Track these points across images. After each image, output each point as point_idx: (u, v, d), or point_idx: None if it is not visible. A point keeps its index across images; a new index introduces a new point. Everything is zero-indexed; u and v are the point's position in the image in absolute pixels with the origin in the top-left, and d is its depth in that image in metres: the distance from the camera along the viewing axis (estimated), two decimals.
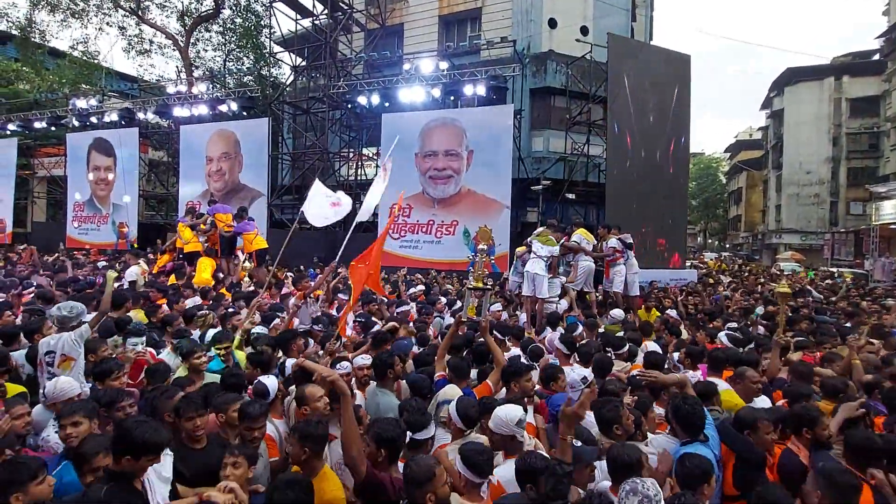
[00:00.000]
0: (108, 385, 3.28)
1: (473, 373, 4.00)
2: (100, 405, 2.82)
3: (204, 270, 9.15)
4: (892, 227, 21.74)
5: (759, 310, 8.63)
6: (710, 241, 51.75)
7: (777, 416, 3.04)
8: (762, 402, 3.64)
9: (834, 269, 20.07)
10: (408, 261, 13.18)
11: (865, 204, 26.22)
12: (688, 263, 16.62)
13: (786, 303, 4.71)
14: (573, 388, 3.58)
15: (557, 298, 7.43)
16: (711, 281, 13.90)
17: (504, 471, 2.54)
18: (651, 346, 5.79)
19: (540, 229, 7.69)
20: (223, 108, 16.41)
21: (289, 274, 10.83)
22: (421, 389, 3.51)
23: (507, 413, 2.72)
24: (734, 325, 7.23)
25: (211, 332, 4.92)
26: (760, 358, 4.70)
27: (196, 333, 5.06)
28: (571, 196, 15.39)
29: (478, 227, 11.65)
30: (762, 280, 15.15)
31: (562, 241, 7.78)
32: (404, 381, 3.81)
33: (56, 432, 2.67)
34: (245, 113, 16.94)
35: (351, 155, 16.80)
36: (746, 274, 17.61)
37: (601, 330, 6.22)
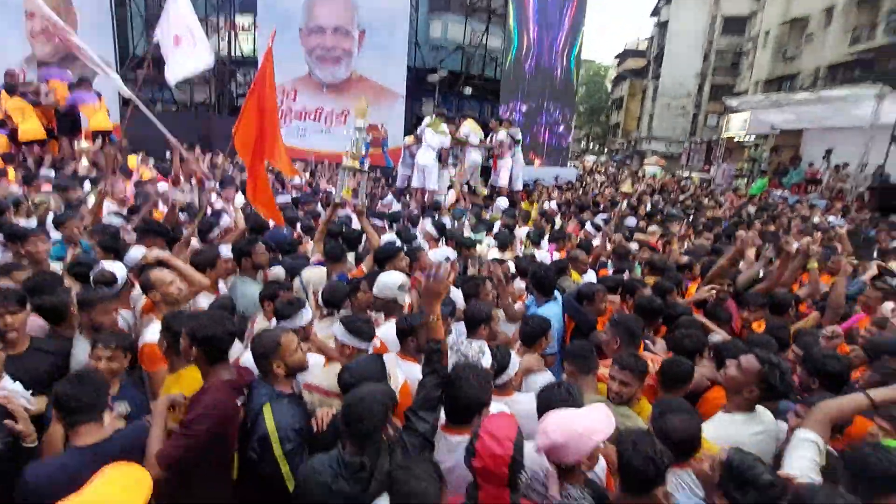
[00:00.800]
0: None
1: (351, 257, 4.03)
2: None
3: (28, 119, 7.37)
4: (735, 139, 25.04)
5: (624, 204, 9.80)
6: (591, 145, 55.45)
7: (610, 284, 3.75)
8: (589, 276, 4.42)
9: (687, 173, 22.99)
10: (293, 151, 12.30)
11: (720, 117, 29.61)
12: (570, 164, 17.80)
13: (627, 199, 5.46)
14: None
15: (446, 190, 7.59)
16: (589, 179, 15.17)
17: (386, 330, 2.74)
18: (520, 232, 6.36)
19: (429, 119, 7.55)
20: None
21: (152, 161, 9.57)
22: (294, 275, 3.48)
23: (390, 278, 2.96)
24: (603, 216, 8.17)
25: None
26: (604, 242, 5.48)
27: (31, 222, 4.35)
28: (468, 90, 15.13)
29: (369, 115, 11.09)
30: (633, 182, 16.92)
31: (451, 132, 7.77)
32: (273, 268, 3.72)
33: None
34: None
35: (222, 24, 14.42)
36: (617, 175, 19.46)
37: (486, 218, 6.59)
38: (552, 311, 3.22)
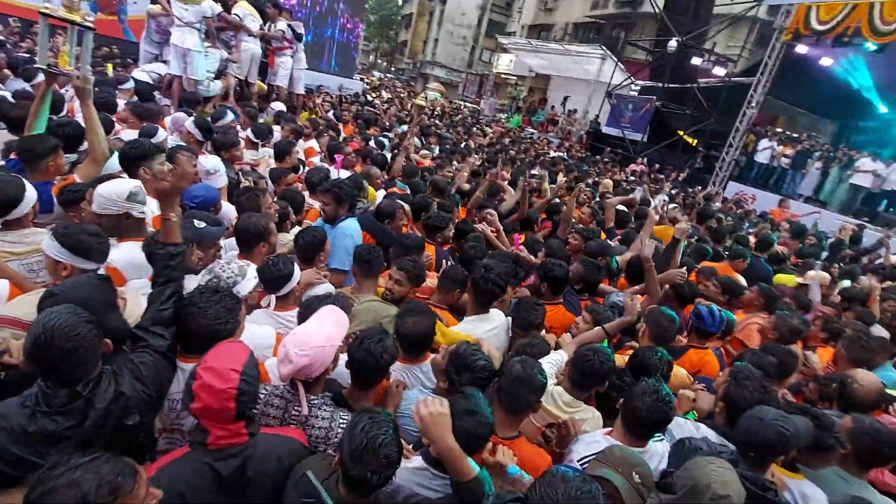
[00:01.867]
0: None
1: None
2: None
3: None
4: (503, 75, 28.08)
5: (404, 127, 10.15)
6: (379, 61, 54.44)
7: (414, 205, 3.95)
8: (381, 193, 4.53)
9: (461, 103, 24.96)
10: None
11: (492, 53, 32.48)
12: (356, 77, 17.20)
13: (420, 113, 5.63)
14: (211, 175, 3.35)
15: (212, 78, 6.45)
16: (374, 94, 15.05)
17: (121, 254, 2.16)
18: (311, 143, 6.06)
19: None
20: None
21: None
22: None
23: (113, 188, 2.22)
24: (387, 133, 8.33)
25: None
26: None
27: None
28: None
29: None
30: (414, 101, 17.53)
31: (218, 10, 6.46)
32: None
33: None
34: None
35: None
36: (402, 95, 19.89)
37: (260, 122, 5.94)
38: (351, 227, 3.15)
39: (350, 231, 3.13)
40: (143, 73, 6.22)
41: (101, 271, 2.00)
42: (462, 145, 9.69)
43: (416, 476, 1.58)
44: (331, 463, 1.42)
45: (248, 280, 2.03)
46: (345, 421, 1.66)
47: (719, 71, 14.74)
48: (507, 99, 26.32)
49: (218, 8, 6.31)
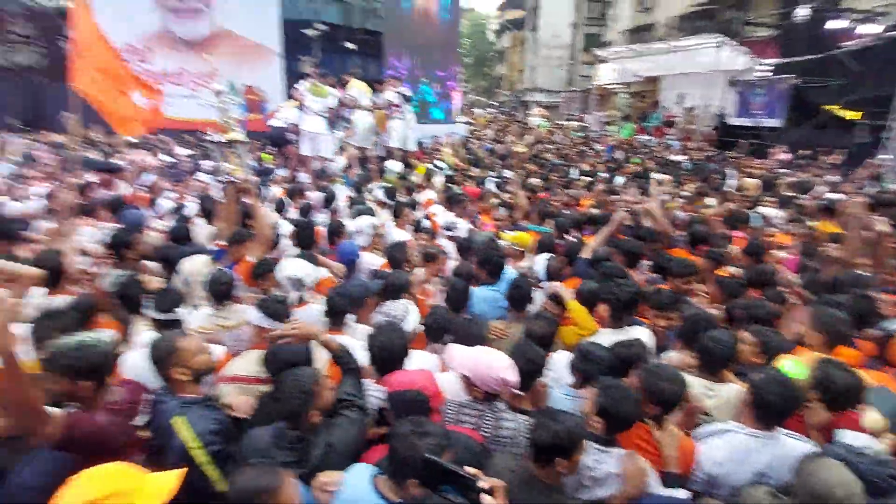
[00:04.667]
0: None
1: None
2: None
3: None
4: (606, 87, 27.09)
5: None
6: (478, 98, 56.30)
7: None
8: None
9: (564, 122, 24.54)
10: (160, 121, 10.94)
11: (592, 67, 31.66)
12: (459, 118, 18.00)
13: (523, 162, 5.67)
14: (360, 233, 3.89)
15: (334, 156, 7.38)
16: (478, 135, 15.61)
17: (305, 313, 2.79)
18: (428, 194, 6.51)
19: (307, 83, 7.07)
20: None
21: None
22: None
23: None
24: (508, 173, 8.53)
25: None
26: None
27: None
28: (351, 46, 14.44)
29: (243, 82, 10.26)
30: (522, 133, 17.72)
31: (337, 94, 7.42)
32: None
33: None
34: None
35: None
36: (508, 126, 20.21)
37: (382, 184, 6.55)
38: (479, 295, 3.22)
39: (481, 298, 3.20)
40: (279, 120, 7.50)
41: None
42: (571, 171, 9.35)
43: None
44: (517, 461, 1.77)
45: (412, 316, 2.72)
46: (526, 421, 2.01)
47: (867, 29, 12.51)
48: (613, 110, 25.24)
49: (339, 94, 7.36)
